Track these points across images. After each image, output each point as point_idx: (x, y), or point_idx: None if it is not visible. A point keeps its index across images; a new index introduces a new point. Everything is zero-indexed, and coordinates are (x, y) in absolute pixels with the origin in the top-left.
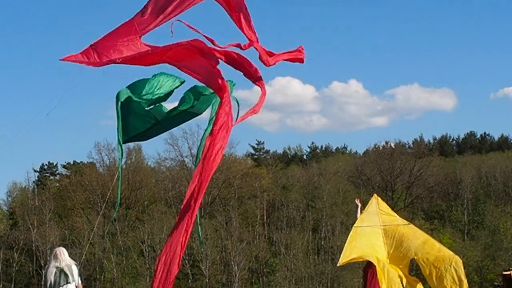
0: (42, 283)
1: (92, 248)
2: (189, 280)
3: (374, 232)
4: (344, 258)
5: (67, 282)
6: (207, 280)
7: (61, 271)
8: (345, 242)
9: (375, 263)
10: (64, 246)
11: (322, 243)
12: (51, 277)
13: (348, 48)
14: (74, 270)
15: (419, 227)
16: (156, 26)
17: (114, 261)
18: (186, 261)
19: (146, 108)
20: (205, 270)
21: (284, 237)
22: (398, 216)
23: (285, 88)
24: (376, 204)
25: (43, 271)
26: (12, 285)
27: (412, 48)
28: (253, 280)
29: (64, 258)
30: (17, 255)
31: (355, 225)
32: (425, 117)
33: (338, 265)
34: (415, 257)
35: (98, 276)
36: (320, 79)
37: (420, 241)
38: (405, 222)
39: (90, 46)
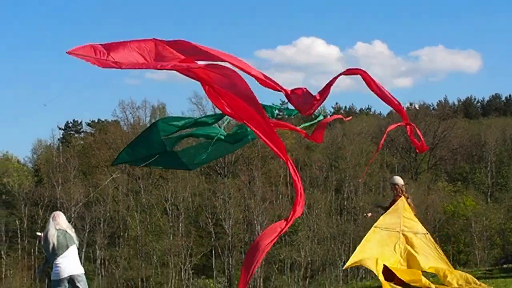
0: (41, 245)
1: (116, 206)
2: (212, 239)
3: (390, 236)
4: (352, 260)
5: (73, 244)
6: (230, 239)
7: (64, 233)
8: (367, 203)
9: (378, 269)
10: (88, 204)
11: (345, 203)
12: (53, 240)
13: (372, 9)
14: (73, 232)
15: (442, 189)
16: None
17: (137, 219)
18: (209, 220)
19: (162, 137)
20: (228, 228)
21: (307, 197)
22: (419, 223)
23: (309, 48)
24: (402, 205)
25: (42, 234)
26: (37, 241)
27: (437, 9)
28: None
29: (63, 221)
30: (42, 212)
31: (375, 224)
32: (449, 78)
33: (345, 267)
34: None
35: (121, 234)
36: (345, 39)
37: (432, 258)
38: (424, 231)
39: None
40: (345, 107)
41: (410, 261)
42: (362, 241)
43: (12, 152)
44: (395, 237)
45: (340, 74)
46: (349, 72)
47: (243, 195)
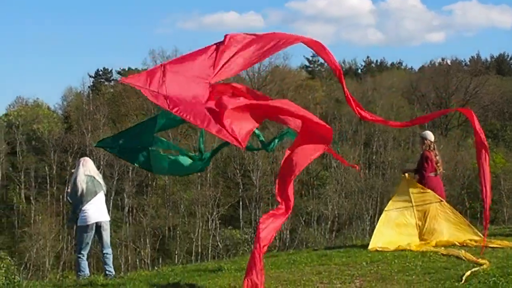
0: (69, 190)
1: None
2: (240, 190)
3: (405, 215)
4: (373, 244)
5: (101, 190)
6: (257, 190)
7: (93, 179)
8: (396, 158)
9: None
10: None
11: (374, 157)
12: (83, 185)
13: None
14: (101, 178)
15: (472, 145)
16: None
17: None
18: (237, 171)
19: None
20: (256, 180)
21: (335, 150)
22: (431, 192)
23: (341, 0)
24: (406, 183)
25: (71, 179)
26: (66, 188)
27: None
28: (303, 192)
29: (92, 167)
30: (71, 159)
31: (385, 208)
32: (482, 34)
33: (369, 248)
34: (445, 238)
35: (150, 182)
36: None
37: (452, 224)
38: (438, 199)
39: (162, 69)
40: (376, 61)
41: (430, 234)
42: (377, 226)
43: (42, 99)
44: (409, 215)
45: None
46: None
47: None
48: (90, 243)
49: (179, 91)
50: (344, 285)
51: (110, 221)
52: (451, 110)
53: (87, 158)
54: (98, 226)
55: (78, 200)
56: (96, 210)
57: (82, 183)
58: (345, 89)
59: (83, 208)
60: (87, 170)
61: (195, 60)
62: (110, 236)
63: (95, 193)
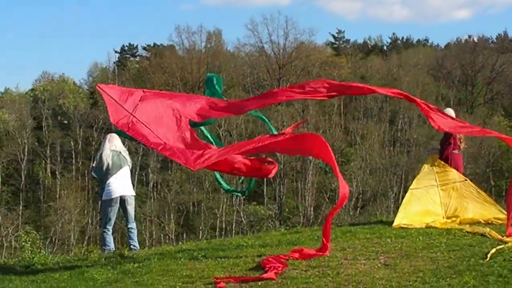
0: (94, 165)
1: None
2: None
3: (430, 194)
4: (397, 221)
5: (127, 165)
6: (282, 166)
7: (118, 154)
8: (421, 135)
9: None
10: None
11: (399, 135)
12: (108, 160)
13: None
14: (127, 154)
15: (498, 123)
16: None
17: None
18: None
19: None
20: (280, 156)
21: (360, 127)
22: (455, 171)
23: None
24: (431, 162)
25: (97, 155)
26: (91, 163)
27: None
28: (327, 169)
29: (119, 143)
30: (96, 134)
31: (411, 187)
32: (510, 11)
33: (393, 225)
34: (470, 216)
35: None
36: None
37: (476, 202)
38: (462, 178)
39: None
40: (402, 37)
41: (455, 212)
42: (402, 204)
43: (68, 74)
44: (433, 194)
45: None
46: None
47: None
48: (114, 218)
49: (146, 118)
50: (369, 262)
51: (134, 196)
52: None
53: (113, 134)
54: (123, 200)
55: (103, 175)
56: (121, 184)
57: (107, 157)
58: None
59: (108, 182)
60: (113, 146)
61: (175, 98)
62: (135, 211)
63: (120, 167)
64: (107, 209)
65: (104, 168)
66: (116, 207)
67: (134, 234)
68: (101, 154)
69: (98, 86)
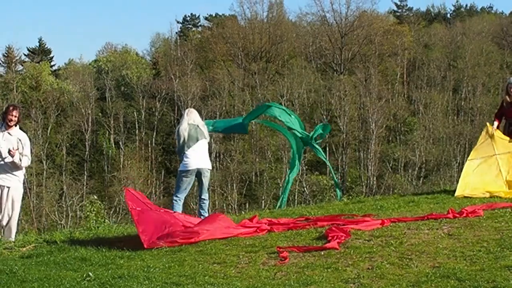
0: (176, 140)
1: (231, 100)
2: (327, 136)
3: (488, 163)
4: (459, 191)
5: (204, 138)
6: (344, 136)
7: (196, 127)
8: (485, 104)
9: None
10: (204, 97)
11: (462, 103)
12: (185, 133)
13: None
14: (205, 128)
15: None
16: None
17: None
18: (324, 116)
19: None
20: (343, 126)
21: (423, 96)
22: None
23: None
24: (486, 133)
25: (176, 129)
26: (154, 133)
27: None
28: (390, 138)
29: (197, 118)
30: (159, 105)
31: (469, 158)
32: None
33: (455, 195)
34: None
35: None
36: None
37: None
38: None
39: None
40: (466, 5)
41: None
42: (462, 175)
43: (131, 45)
44: (493, 163)
45: None
46: None
47: (359, 92)
48: (188, 189)
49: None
50: (432, 232)
51: (210, 169)
52: None
53: (192, 109)
54: (199, 173)
55: (181, 147)
56: (198, 157)
57: (184, 131)
58: None
59: (185, 153)
60: (191, 119)
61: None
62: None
63: (197, 140)
64: (182, 179)
65: (181, 140)
66: (191, 179)
67: (206, 205)
68: (179, 128)
69: (125, 190)
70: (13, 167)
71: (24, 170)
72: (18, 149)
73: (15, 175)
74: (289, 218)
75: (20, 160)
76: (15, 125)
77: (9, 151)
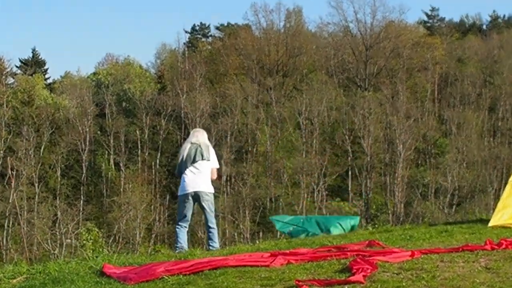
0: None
1: (244, 118)
2: (349, 158)
3: None
4: (494, 220)
5: (203, 159)
6: (368, 159)
7: (197, 147)
8: None
9: None
10: (214, 115)
11: (499, 124)
12: (183, 153)
13: None
14: (211, 150)
15: None
16: None
17: (268, 133)
18: (347, 137)
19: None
20: (367, 147)
21: (456, 116)
22: None
23: None
24: None
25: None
26: (158, 154)
27: None
28: (419, 162)
29: (202, 137)
30: (164, 122)
31: (510, 179)
32: None
33: (489, 225)
34: None
35: (250, 149)
36: None
37: None
38: None
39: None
40: (504, 15)
41: None
42: (501, 198)
43: (134, 57)
44: None
45: None
46: None
47: (385, 111)
48: (189, 215)
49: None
50: (467, 265)
51: (212, 192)
52: None
53: (199, 129)
54: (198, 196)
55: (178, 167)
56: (195, 179)
57: (183, 151)
58: None
59: (182, 176)
60: (194, 138)
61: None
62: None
63: (195, 160)
64: (180, 204)
65: (179, 161)
66: (189, 203)
67: (214, 234)
68: (180, 149)
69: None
70: None
71: None
72: None
73: None
74: (308, 248)
75: None
76: None
77: None
